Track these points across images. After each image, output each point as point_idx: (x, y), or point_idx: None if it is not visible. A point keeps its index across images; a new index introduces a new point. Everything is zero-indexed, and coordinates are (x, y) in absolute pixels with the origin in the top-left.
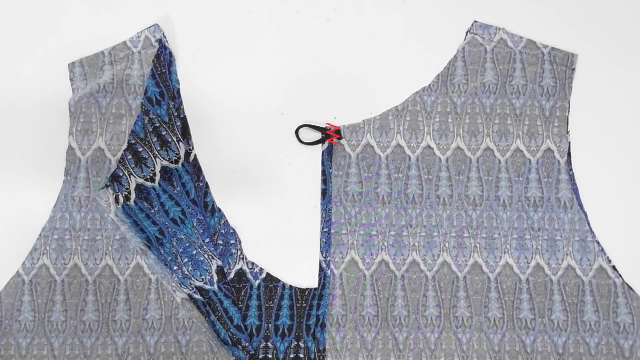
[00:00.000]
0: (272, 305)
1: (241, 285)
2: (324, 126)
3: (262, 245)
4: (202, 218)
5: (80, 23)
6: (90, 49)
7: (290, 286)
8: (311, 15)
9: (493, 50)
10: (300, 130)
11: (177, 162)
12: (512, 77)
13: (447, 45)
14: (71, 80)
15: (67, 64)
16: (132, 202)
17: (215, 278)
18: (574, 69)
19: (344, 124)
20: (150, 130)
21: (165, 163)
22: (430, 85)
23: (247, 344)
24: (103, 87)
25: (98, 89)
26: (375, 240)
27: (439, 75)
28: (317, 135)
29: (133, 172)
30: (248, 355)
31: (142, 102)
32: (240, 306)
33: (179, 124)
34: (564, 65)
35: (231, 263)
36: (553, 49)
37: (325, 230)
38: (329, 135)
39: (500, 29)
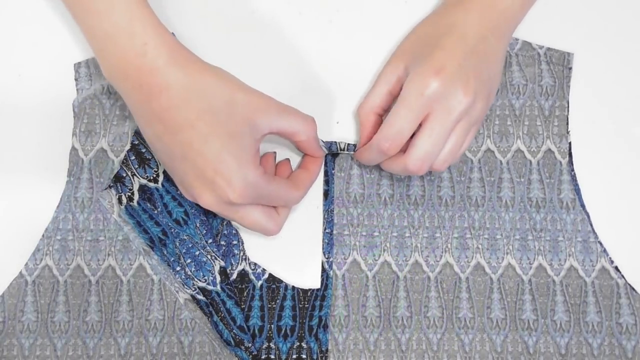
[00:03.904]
0: (274, 306)
1: (243, 286)
2: (325, 139)
3: (264, 245)
4: (205, 219)
5: None
6: None
7: (293, 287)
8: (314, 16)
9: None
10: None
11: None
12: (511, 78)
13: None
14: (76, 80)
15: (70, 64)
16: (135, 203)
17: (218, 278)
18: (570, 68)
19: (338, 140)
20: None
21: None
22: None
23: (250, 345)
24: (107, 88)
25: (102, 90)
26: (377, 241)
27: None
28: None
29: (136, 173)
30: (250, 356)
31: None
32: (242, 307)
33: None
34: (560, 64)
35: (233, 263)
36: (549, 49)
37: (327, 231)
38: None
39: None
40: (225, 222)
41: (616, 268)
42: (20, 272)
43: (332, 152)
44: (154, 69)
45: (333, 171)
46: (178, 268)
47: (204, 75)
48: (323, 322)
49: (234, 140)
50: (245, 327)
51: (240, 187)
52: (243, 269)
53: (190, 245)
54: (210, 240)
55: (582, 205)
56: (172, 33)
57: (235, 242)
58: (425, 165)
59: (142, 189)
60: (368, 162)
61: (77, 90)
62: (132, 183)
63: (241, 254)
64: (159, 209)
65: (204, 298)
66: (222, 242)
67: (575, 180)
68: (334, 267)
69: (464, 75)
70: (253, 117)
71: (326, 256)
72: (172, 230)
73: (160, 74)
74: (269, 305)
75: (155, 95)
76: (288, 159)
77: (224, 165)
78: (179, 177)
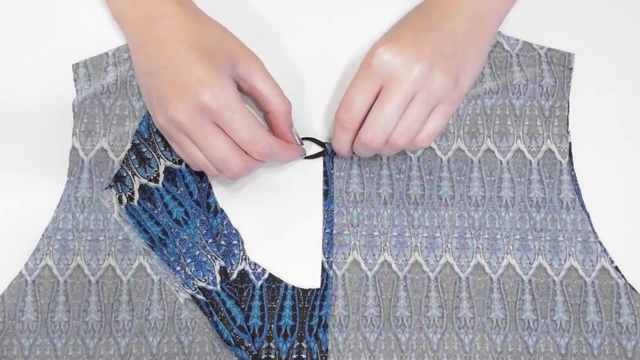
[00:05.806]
0: (274, 306)
1: (243, 286)
2: (323, 138)
3: (264, 245)
4: (205, 218)
5: (83, 23)
6: (93, 49)
7: (293, 286)
8: (314, 15)
9: (490, 54)
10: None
11: (180, 162)
12: (512, 78)
13: None
14: (75, 80)
15: (70, 64)
16: (135, 203)
17: (218, 278)
18: (571, 68)
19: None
20: (155, 130)
21: (169, 163)
22: None
23: (250, 345)
24: (106, 88)
25: (101, 89)
26: (377, 240)
27: None
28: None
29: (136, 172)
30: (250, 356)
31: None
32: (242, 306)
33: None
34: (561, 65)
35: (234, 263)
36: (549, 49)
37: (327, 230)
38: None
39: (496, 32)
40: (225, 222)
41: (616, 268)
42: (20, 272)
43: (331, 152)
44: (162, 1)
45: (332, 171)
46: (178, 268)
47: (205, 18)
48: (323, 321)
49: (215, 58)
50: (245, 327)
51: (213, 86)
52: (243, 269)
53: (190, 245)
54: (210, 240)
55: (582, 205)
56: None
57: (235, 242)
58: (377, 137)
59: (143, 188)
60: (339, 142)
61: (76, 90)
62: (132, 182)
63: (241, 253)
64: (159, 209)
65: (204, 298)
66: (222, 242)
67: (575, 180)
68: (334, 267)
69: (418, 45)
70: (236, 58)
71: (326, 256)
72: (173, 230)
73: (166, 5)
74: (269, 305)
75: (157, 20)
76: None
77: (201, 69)
78: (156, 92)
